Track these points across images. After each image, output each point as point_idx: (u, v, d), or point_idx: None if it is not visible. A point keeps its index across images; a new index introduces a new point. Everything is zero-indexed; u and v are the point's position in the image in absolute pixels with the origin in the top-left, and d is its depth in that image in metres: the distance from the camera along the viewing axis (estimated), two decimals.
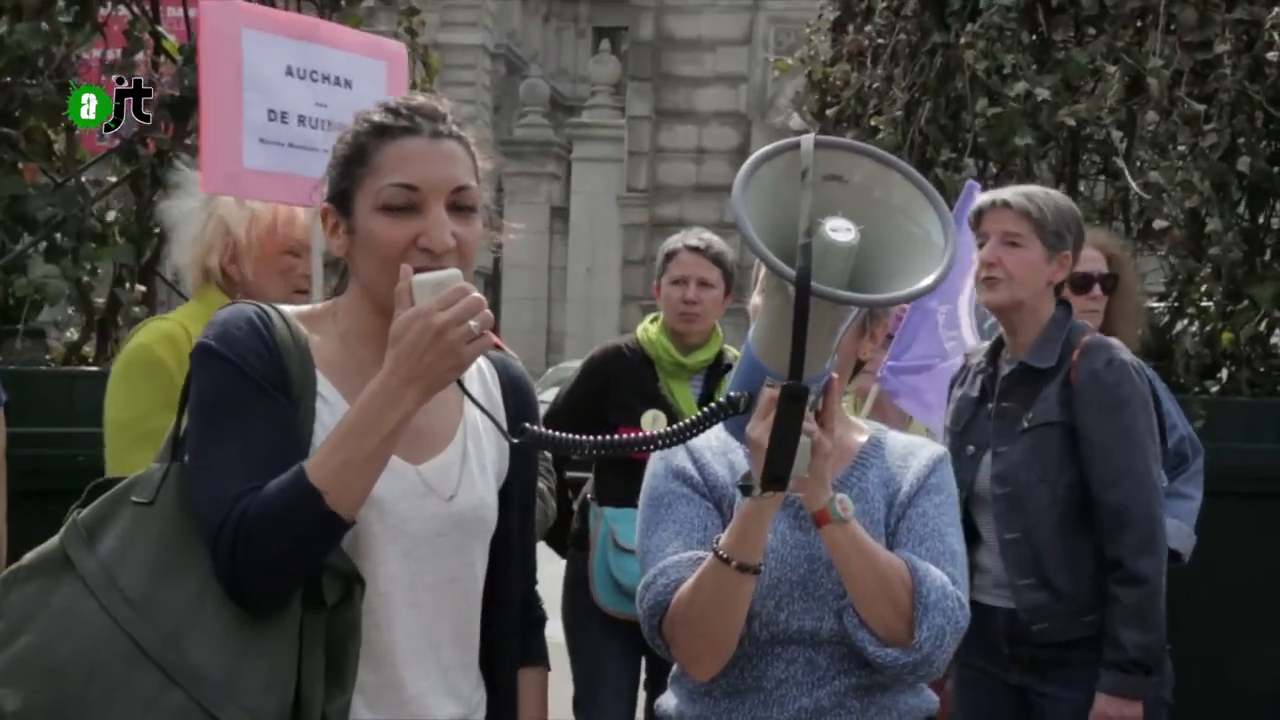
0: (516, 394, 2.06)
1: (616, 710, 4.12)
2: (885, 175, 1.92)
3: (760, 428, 1.90)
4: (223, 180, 3.14)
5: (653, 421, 3.96)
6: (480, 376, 2.03)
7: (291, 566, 1.73)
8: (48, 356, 4.65)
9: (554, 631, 2.26)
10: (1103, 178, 5.76)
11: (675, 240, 4.21)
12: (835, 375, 2.02)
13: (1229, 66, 5.04)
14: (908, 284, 1.85)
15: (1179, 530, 4.01)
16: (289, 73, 3.30)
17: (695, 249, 4.10)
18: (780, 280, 1.81)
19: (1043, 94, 5.09)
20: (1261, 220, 5.39)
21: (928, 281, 1.84)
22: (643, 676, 4.20)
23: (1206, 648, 4.57)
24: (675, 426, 1.87)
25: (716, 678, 2.20)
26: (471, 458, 1.94)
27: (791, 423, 1.84)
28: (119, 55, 4.67)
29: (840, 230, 1.84)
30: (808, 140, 1.86)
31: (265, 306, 1.86)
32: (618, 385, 4.11)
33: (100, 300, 4.74)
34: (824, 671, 2.20)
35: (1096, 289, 4.03)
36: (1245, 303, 5.09)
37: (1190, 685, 4.54)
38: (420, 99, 1.93)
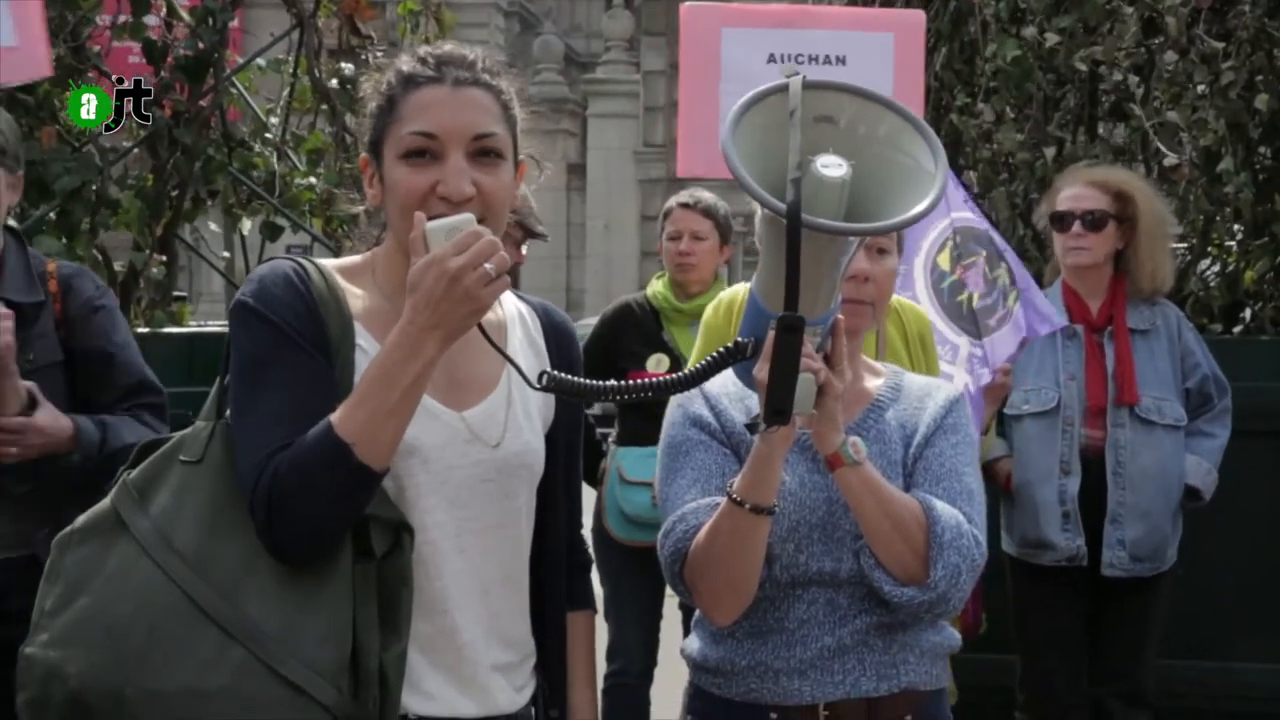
0: (559, 340, 2.06)
1: (634, 614, 4.56)
2: (871, 110, 1.94)
3: (765, 369, 1.91)
4: (702, 165, 3.48)
5: (656, 364, 4.40)
6: (522, 322, 2.03)
7: (327, 519, 1.75)
8: None
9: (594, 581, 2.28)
10: (1122, 120, 5.72)
11: (671, 200, 4.69)
12: (841, 316, 2.03)
13: (1248, 3, 4.98)
14: (904, 213, 1.87)
15: (1198, 467, 4.02)
16: (770, 60, 3.45)
17: (686, 205, 4.56)
18: (777, 221, 1.83)
19: (1053, 39, 5.05)
20: None
21: (920, 208, 1.86)
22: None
23: (1230, 583, 4.58)
24: (686, 372, 1.89)
25: (739, 620, 2.22)
26: (516, 404, 1.95)
27: (789, 354, 1.86)
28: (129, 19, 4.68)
29: (831, 166, 1.87)
30: (796, 81, 1.88)
31: (303, 261, 1.87)
32: (628, 335, 4.53)
33: (120, 265, 4.77)
34: (845, 611, 2.22)
35: (1078, 226, 4.00)
36: (1265, 239, 5.06)
37: (1215, 618, 4.56)
38: (449, 47, 1.93)
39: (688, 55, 3.46)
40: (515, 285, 3.87)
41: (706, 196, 4.59)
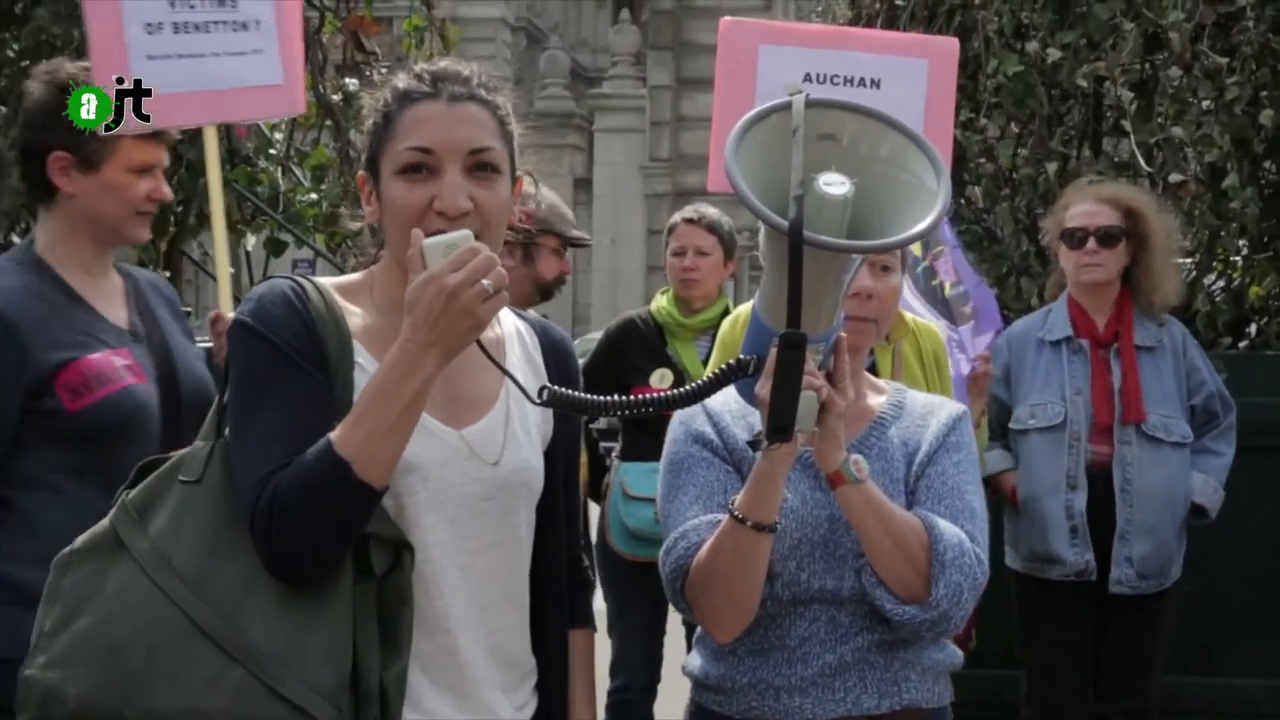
0: (558, 357, 2.06)
1: (637, 630, 4.57)
2: (873, 128, 1.95)
3: (767, 386, 1.91)
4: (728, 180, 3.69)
5: (660, 379, 4.40)
6: (520, 340, 2.03)
7: (327, 538, 1.74)
8: None
9: (596, 597, 2.27)
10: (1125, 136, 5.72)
11: (675, 215, 4.70)
12: (844, 334, 2.03)
13: (1252, 19, 4.99)
14: (906, 231, 1.88)
15: (1205, 485, 4.02)
16: (806, 79, 3.46)
17: (690, 220, 4.56)
18: (779, 238, 1.84)
19: (1054, 55, 5.05)
20: None
21: (922, 225, 1.87)
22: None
23: (1236, 600, 4.57)
24: (688, 388, 1.89)
25: (740, 638, 2.21)
26: (515, 421, 1.94)
27: (791, 371, 1.87)
28: None
29: (834, 184, 1.88)
30: (799, 99, 1.89)
31: (301, 280, 1.87)
32: (631, 350, 4.54)
33: None
34: (846, 629, 2.22)
35: (1092, 243, 4.01)
36: (1271, 254, 5.06)
37: (1221, 634, 4.55)
38: (445, 64, 1.93)
39: (724, 69, 3.47)
40: (548, 297, 3.90)
41: (711, 212, 4.59)
